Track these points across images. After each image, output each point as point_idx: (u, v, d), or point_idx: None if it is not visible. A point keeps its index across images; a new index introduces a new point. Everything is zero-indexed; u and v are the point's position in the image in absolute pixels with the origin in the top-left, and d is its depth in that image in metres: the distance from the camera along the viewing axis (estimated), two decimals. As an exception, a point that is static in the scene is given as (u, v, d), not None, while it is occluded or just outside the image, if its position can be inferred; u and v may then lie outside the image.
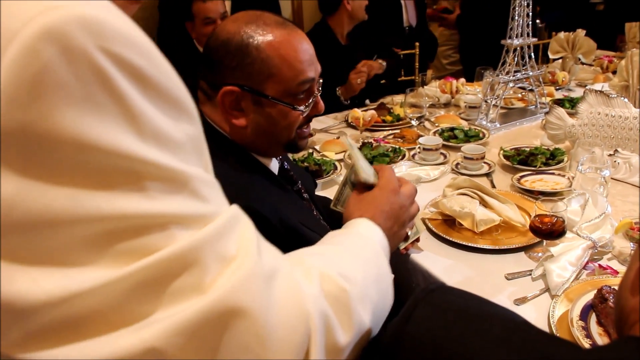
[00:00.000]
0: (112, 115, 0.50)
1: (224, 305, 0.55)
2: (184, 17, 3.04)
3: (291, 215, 1.23)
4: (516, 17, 2.59)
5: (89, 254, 0.51)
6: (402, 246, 1.53)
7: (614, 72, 3.16)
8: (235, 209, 0.63)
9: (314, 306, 0.65)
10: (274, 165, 1.39)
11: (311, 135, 2.64)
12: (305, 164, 2.17)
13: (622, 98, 2.07)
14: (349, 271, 0.78)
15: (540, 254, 1.58)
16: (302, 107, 1.29)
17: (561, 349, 0.62)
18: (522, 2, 2.56)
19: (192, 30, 3.08)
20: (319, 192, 1.90)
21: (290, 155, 1.74)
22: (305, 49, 1.27)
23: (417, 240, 1.64)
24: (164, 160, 0.53)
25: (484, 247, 1.64)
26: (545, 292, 1.44)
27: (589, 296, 1.36)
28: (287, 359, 0.60)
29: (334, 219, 1.47)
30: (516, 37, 2.63)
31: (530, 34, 2.66)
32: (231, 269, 0.57)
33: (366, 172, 1.15)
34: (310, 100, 1.32)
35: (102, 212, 0.50)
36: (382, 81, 3.36)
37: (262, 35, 1.22)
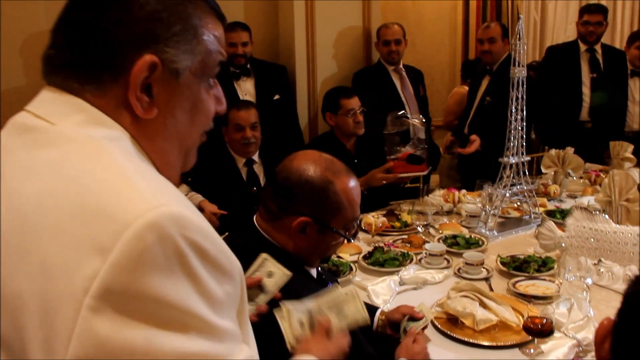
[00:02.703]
0: (183, 281, 0.73)
1: None
2: (221, 122, 3.40)
3: None
4: (512, 139, 2.94)
5: None
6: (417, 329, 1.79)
7: (601, 185, 3.49)
8: (247, 351, 0.85)
9: None
10: (313, 270, 1.69)
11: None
12: (325, 265, 2.43)
13: (604, 215, 2.37)
14: None
15: (532, 350, 1.83)
16: (350, 237, 1.67)
17: None
18: (517, 126, 2.91)
19: (226, 134, 3.42)
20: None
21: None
22: (359, 193, 1.64)
23: (425, 327, 1.88)
24: (208, 316, 0.75)
25: (483, 343, 1.90)
26: (536, 384, 1.69)
27: (573, 387, 1.60)
28: None
29: None
30: (512, 155, 2.97)
31: (524, 153, 3.00)
32: None
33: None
34: (355, 230, 1.70)
35: (162, 347, 0.71)
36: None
37: (340, 182, 1.57)
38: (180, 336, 0.73)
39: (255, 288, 1.41)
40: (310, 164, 1.57)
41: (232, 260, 0.81)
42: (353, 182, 1.61)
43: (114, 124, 0.84)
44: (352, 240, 1.73)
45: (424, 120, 3.60)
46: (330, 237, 1.61)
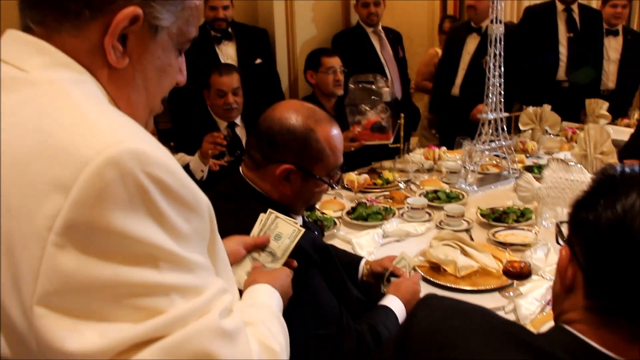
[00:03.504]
0: (146, 217, 0.74)
1: (189, 344, 0.76)
2: (203, 85, 3.41)
3: (321, 249, 1.57)
4: (490, 95, 2.99)
5: (118, 310, 0.73)
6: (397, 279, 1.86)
7: (577, 141, 3.59)
8: (221, 283, 0.86)
9: (257, 356, 0.88)
10: (299, 218, 1.73)
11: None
12: (310, 220, 2.49)
13: (579, 165, 2.45)
14: (276, 333, 1.01)
15: (511, 293, 1.91)
16: (334, 184, 1.71)
17: (517, 329, 0.95)
18: (495, 82, 2.96)
19: (208, 98, 3.43)
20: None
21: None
22: (341, 140, 1.68)
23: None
24: (175, 249, 0.76)
25: (465, 288, 1.97)
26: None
27: (550, 324, 1.68)
28: None
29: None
30: (490, 111, 3.03)
31: (503, 109, 3.06)
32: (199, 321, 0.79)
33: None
34: (338, 177, 1.73)
35: (131, 280, 0.73)
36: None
37: (321, 130, 1.59)
38: (149, 269, 0.75)
39: (265, 254, 1.40)
40: (292, 113, 1.61)
41: (197, 196, 0.82)
42: (335, 130, 1.65)
43: (79, 68, 0.84)
44: (336, 187, 1.77)
45: (387, 86, 3.53)
46: (314, 184, 1.64)
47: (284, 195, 1.62)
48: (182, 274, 0.78)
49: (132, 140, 0.75)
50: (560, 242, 1.00)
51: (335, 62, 3.67)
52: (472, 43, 4.35)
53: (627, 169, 0.92)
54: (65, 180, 0.71)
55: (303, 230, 1.41)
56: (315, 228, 1.94)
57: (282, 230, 1.41)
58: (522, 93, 4.52)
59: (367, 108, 3.36)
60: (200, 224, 0.83)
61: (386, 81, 3.62)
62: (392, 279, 1.85)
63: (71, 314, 0.72)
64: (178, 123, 3.88)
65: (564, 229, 0.98)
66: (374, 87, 3.48)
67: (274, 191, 1.62)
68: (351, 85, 3.50)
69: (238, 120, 3.53)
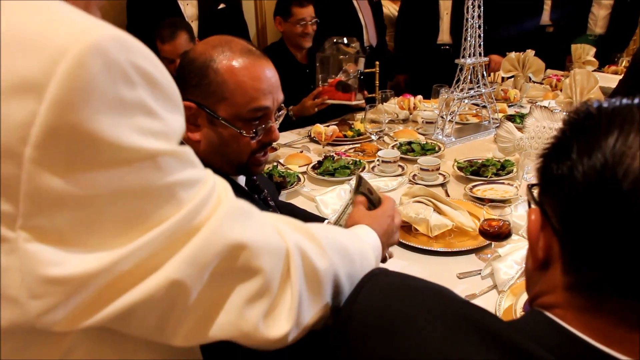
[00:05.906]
0: (137, 120, 0.62)
1: (218, 238, 0.70)
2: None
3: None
4: (468, 38, 2.75)
5: (121, 225, 0.63)
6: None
7: (562, 88, 3.37)
8: (210, 173, 0.76)
9: (288, 236, 0.81)
10: (241, 179, 1.49)
11: (275, 149, 2.75)
12: (271, 174, 2.26)
13: (564, 113, 2.23)
14: (331, 238, 0.91)
15: (489, 255, 1.71)
16: (251, 134, 1.36)
17: (482, 315, 0.73)
18: (474, 24, 2.72)
19: None
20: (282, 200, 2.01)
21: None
22: (266, 77, 1.34)
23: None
24: (168, 147, 0.66)
25: (438, 249, 1.77)
26: (493, 289, 1.57)
27: (532, 291, 1.48)
28: (273, 268, 0.76)
29: None
30: (469, 56, 2.79)
31: (482, 54, 2.82)
32: (219, 210, 0.71)
33: (376, 193, 1.33)
34: (263, 127, 1.38)
35: (131, 185, 0.62)
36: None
37: (223, 59, 1.31)
38: (150, 171, 0.64)
39: None
40: (200, 45, 1.36)
41: (177, 90, 0.72)
42: (244, 62, 1.33)
43: None
44: (256, 138, 1.38)
45: (361, 52, 3.29)
46: (225, 131, 1.34)
47: (195, 146, 1.33)
48: (184, 169, 0.69)
49: (109, 27, 0.62)
50: (533, 206, 0.77)
51: (307, 12, 3.37)
52: None
53: (604, 103, 0.68)
54: (37, 78, 0.56)
55: None
56: (271, 189, 1.69)
57: None
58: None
59: (334, 76, 3.10)
60: (181, 120, 0.73)
61: (363, 48, 3.38)
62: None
63: (64, 236, 0.60)
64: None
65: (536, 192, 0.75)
66: (348, 49, 3.22)
67: (189, 142, 1.34)
68: (326, 44, 3.23)
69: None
